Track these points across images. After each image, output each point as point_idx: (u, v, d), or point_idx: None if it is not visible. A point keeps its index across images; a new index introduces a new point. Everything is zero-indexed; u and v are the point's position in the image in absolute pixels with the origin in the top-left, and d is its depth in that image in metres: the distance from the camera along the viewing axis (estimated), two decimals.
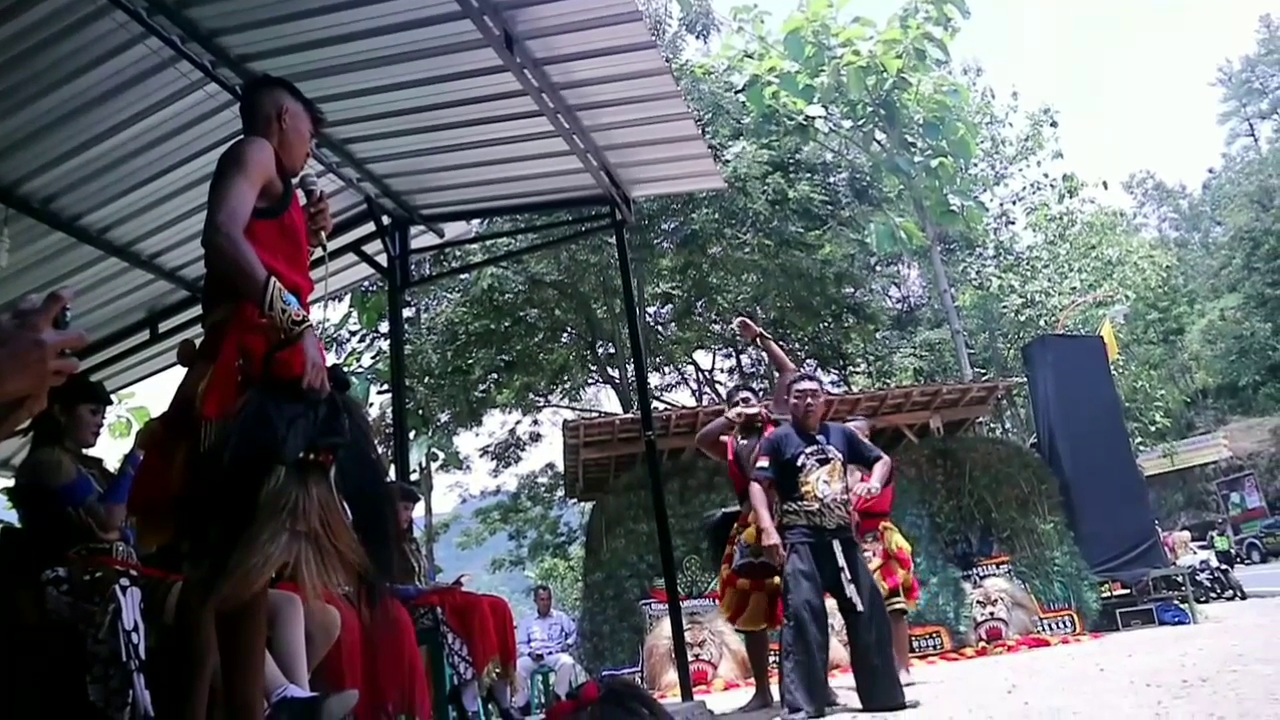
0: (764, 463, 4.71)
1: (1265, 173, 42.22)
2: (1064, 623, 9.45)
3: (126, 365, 7.03)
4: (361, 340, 17.65)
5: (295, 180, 2.68)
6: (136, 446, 3.24)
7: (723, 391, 21.83)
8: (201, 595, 2.19)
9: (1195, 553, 15.55)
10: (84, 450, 3.32)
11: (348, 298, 14.47)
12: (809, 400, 4.78)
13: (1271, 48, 48.73)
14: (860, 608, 4.43)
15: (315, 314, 2.47)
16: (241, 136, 2.57)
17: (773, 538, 4.53)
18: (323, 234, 2.75)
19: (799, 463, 4.62)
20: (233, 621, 2.32)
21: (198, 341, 2.51)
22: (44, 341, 1.04)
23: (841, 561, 4.47)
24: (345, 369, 2.81)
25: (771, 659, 5.56)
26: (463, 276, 16.18)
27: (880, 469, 4.83)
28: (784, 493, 4.64)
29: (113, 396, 7.71)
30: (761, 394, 5.93)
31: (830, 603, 4.63)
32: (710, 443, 5.57)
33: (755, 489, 4.69)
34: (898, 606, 6.16)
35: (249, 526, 2.13)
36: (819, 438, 4.76)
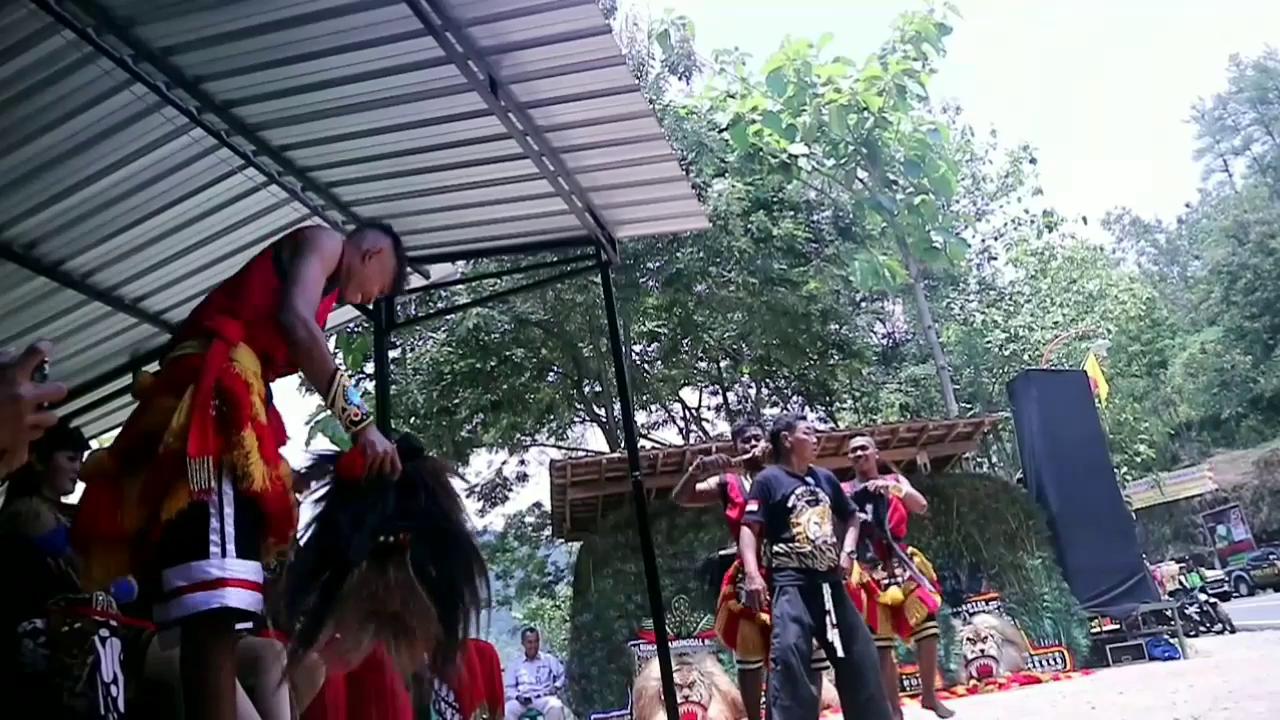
0: (754, 506, 4.64)
1: (1240, 208, 42.92)
2: (1055, 659, 9.39)
3: (110, 410, 6.95)
4: None
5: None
6: (81, 478, 3.16)
7: (710, 429, 21.80)
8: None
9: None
10: (62, 498, 3.27)
11: (332, 339, 14.42)
12: (814, 439, 4.83)
13: (1242, 85, 49.69)
14: (840, 654, 4.35)
15: None
16: (320, 225, 2.69)
17: (756, 583, 4.48)
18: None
19: (789, 503, 4.55)
20: (199, 671, 2.24)
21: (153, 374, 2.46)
22: (20, 396, 1.03)
23: (828, 605, 4.40)
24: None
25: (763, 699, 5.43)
26: (448, 316, 16.16)
27: (852, 534, 4.82)
28: (774, 534, 4.57)
29: (94, 441, 7.61)
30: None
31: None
32: (691, 495, 5.32)
33: (745, 533, 4.62)
34: (931, 632, 6.02)
35: (335, 612, 2.27)
36: (807, 479, 4.71)
